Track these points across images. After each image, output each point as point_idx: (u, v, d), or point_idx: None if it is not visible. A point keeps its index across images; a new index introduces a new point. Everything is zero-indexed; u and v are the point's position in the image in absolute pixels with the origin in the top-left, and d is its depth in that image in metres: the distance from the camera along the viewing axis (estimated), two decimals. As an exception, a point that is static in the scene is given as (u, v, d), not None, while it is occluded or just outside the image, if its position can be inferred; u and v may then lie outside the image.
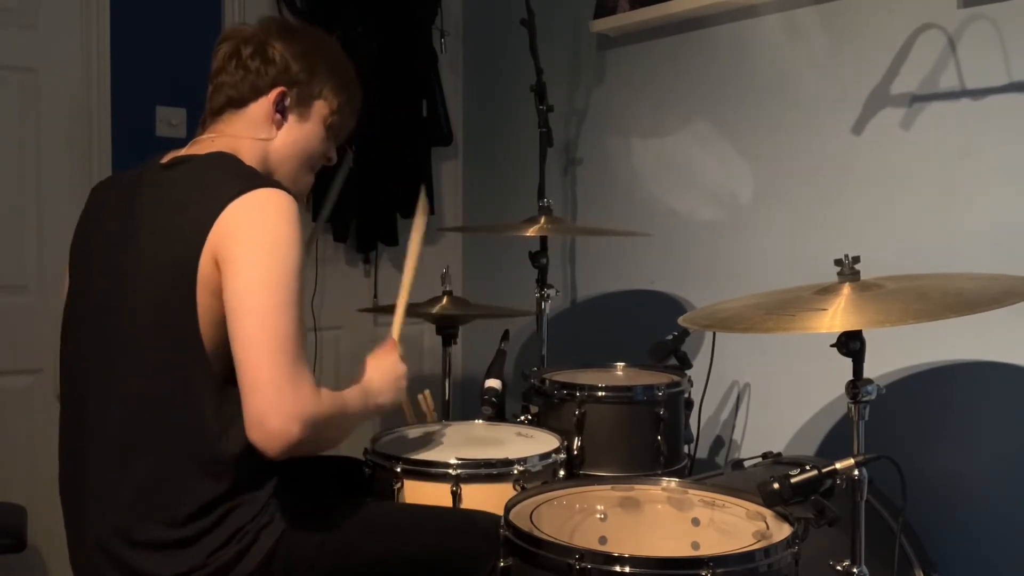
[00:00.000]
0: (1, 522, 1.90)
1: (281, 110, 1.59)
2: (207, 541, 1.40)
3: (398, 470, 1.70)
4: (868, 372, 1.46)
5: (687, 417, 2.15)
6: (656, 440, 2.02)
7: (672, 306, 2.65)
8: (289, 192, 1.45)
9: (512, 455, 1.73)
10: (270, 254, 1.36)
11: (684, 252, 2.63)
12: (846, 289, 1.50)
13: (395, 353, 1.70)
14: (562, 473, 1.80)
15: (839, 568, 1.46)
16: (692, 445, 2.21)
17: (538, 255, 2.46)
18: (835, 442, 2.25)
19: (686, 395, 2.13)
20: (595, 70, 2.88)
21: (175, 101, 2.72)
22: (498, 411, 2.11)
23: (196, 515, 1.39)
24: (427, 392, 2.13)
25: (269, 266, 1.36)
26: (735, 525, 1.51)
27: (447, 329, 2.42)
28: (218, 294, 1.37)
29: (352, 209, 3.05)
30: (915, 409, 2.10)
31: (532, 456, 1.74)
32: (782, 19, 2.39)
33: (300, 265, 1.39)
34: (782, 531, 1.42)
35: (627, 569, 1.27)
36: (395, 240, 3.18)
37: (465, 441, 1.92)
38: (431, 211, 3.18)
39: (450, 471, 1.69)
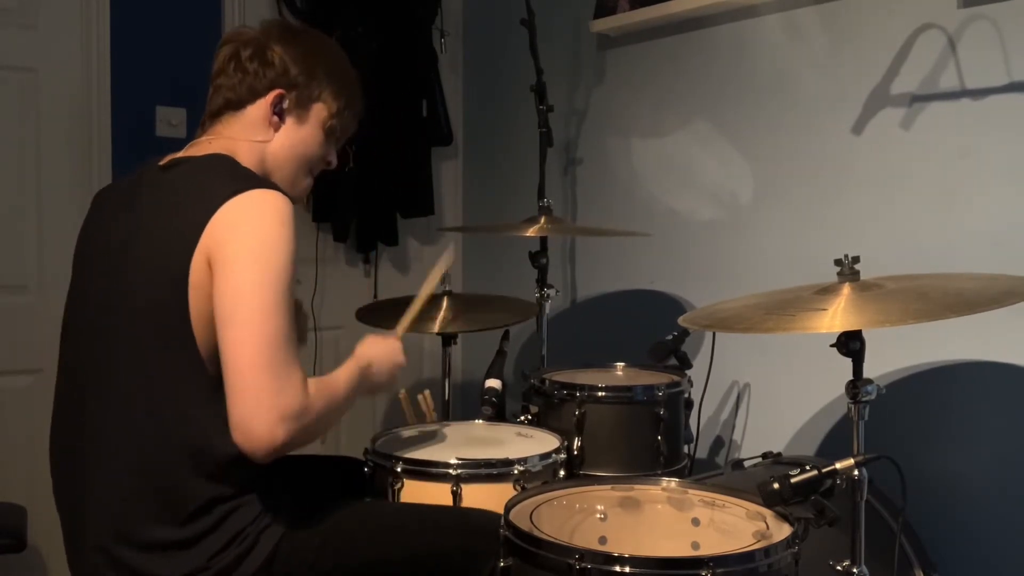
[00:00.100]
0: (1, 522, 1.90)
1: (278, 112, 1.59)
2: (207, 543, 1.40)
3: (398, 470, 1.70)
4: (868, 372, 1.46)
5: (687, 417, 2.15)
6: (656, 440, 2.02)
7: (672, 306, 2.65)
8: (286, 194, 1.45)
9: (512, 455, 1.73)
10: (260, 256, 1.36)
11: (684, 252, 2.63)
12: (846, 289, 1.50)
13: (397, 342, 1.71)
14: (562, 473, 1.80)
15: (839, 568, 1.46)
16: (692, 445, 2.21)
17: (538, 255, 2.46)
18: (835, 442, 2.25)
19: (686, 395, 2.13)
20: (595, 70, 2.88)
21: (175, 101, 2.72)
22: (498, 411, 2.10)
23: (195, 516, 1.39)
24: (427, 392, 2.13)
25: (258, 269, 1.35)
26: (735, 525, 1.51)
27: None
28: (210, 296, 1.37)
29: (352, 209, 3.05)
30: (915, 409, 2.10)
31: (532, 456, 1.74)
32: (782, 19, 2.39)
33: (291, 267, 1.38)
34: (782, 531, 1.42)
35: (627, 569, 1.27)
36: (395, 240, 3.18)
37: (465, 441, 1.92)
38: (432, 212, 3.21)
39: (450, 471, 1.69)
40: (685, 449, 2.15)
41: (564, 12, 2.92)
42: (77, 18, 2.56)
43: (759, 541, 1.42)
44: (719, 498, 1.57)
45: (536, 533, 1.38)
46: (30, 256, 2.51)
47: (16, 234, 2.49)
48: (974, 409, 2.04)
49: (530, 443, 1.88)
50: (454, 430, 2.01)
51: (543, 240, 2.49)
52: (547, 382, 2.10)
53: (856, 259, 1.55)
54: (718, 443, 2.53)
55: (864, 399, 1.44)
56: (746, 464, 2.04)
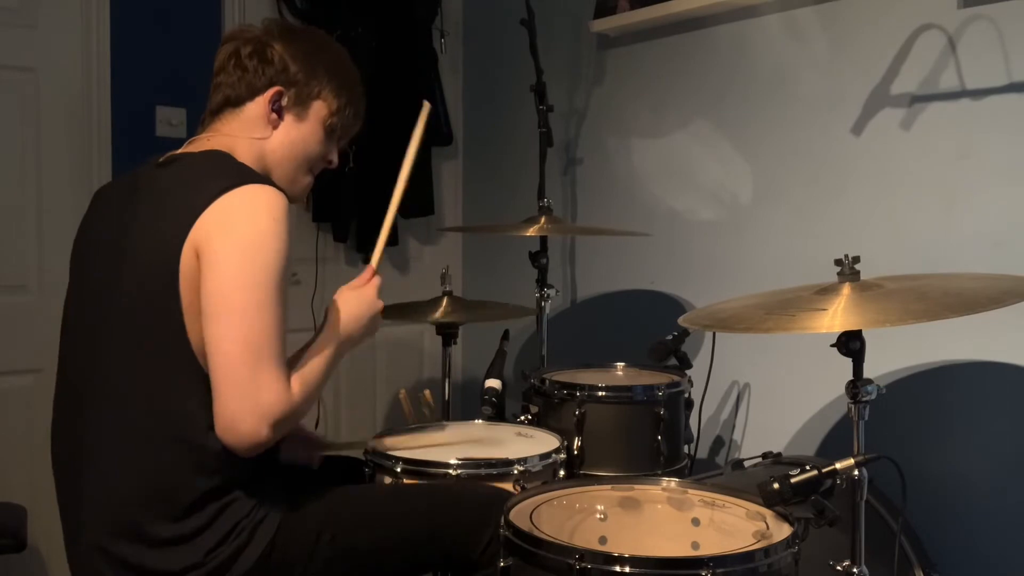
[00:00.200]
0: (1, 522, 1.90)
1: (277, 109, 1.59)
2: (204, 538, 1.40)
3: (398, 470, 1.70)
4: (868, 372, 1.46)
5: (687, 417, 2.15)
6: (656, 440, 2.02)
7: (672, 306, 2.65)
8: (283, 191, 1.45)
9: (512, 455, 1.74)
10: (248, 252, 1.36)
11: (684, 252, 2.63)
12: (846, 289, 1.50)
13: (372, 286, 1.68)
14: (562, 473, 1.81)
15: (839, 568, 1.46)
16: (692, 445, 2.21)
17: (538, 255, 2.46)
18: (835, 442, 2.25)
19: (686, 395, 2.13)
20: (595, 70, 2.88)
21: (175, 101, 2.72)
22: (498, 411, 2.11)
23: (190, 510, 1.40)
24: (427, 392, 2.13)
25: (246, 265, 1.35)
26: (735, 525, 1.51)
27: (447, 329, 2.42)
28: (199, 290, 1.37)
29: (352, 209, 3.05)
30: (915, 409, 2.10)
31: (532, 456, 1.75)
32: (782, 19, 2.38)
33: (283, 264, 1.38)
34: (782, 531, 1.42)
35: (627, 569, 1.27)
36: (395, 240, 3.17)
37: (465, 441, 1.92)
38: (432, 212, 3.20)
39: (450, 471, 1.69)
40: (685, 449, 2.15)
41: (564, 12, 2.92)
42: (77, 18, 2.56)
43: (759, 541, 1.42)
44: (719, 498, 1.57)
45: (536, 533, 1.38)
46: (30, 256, 2.50)
47: (16, 234, 2.49)
48: (974, 409, 2.04)
49: (530, 443, 1.88)
50: (454, 430, 2.01)
51: (543, 240, 2.49)
52: (547, 382, 2.10)
53: (856, 259, 1.55)
54: (718, 443, 2.53)
55: (864, 399, 1.44)
56: (746, 464, 2.04)
